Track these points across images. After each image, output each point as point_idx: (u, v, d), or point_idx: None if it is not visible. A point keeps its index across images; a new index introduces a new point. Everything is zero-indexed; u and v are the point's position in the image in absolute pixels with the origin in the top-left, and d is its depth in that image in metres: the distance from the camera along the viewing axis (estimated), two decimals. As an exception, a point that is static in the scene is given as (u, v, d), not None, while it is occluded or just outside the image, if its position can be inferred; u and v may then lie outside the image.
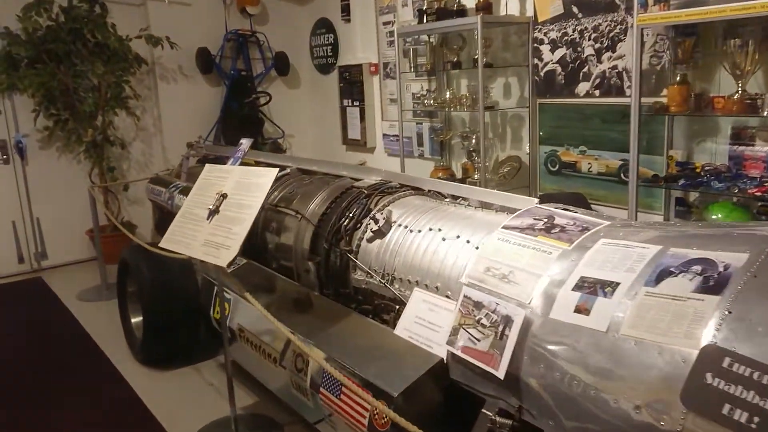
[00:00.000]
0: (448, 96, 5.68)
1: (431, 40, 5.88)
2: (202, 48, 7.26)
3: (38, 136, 6.69)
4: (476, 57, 5.14)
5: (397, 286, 3.01)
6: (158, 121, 7.32)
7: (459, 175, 5.84)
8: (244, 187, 2.99)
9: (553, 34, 5.02)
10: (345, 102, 7.41)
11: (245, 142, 3.33)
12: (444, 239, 2.85)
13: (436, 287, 2.75)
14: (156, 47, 6.69)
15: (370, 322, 3.00)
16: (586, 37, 4.79)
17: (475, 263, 2.38)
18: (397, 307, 2.97)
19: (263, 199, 2.86)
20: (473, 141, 5.42)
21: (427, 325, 2.56)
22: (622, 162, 4.74)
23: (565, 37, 4.94)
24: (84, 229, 6.91)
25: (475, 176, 5.44)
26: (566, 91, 5.01)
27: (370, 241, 3.23)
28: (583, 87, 4.89)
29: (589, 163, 4.99)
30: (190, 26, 7.13)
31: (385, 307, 3.08)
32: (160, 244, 3.21)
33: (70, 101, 6.48)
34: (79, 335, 5.04)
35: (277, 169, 2.92)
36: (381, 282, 3.06)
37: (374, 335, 2.81)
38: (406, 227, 3.13)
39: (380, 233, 3.17)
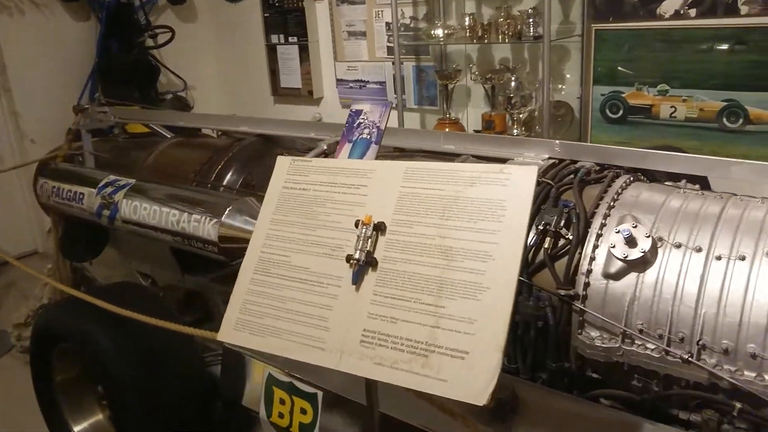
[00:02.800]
0: (453, 23, 4.18)
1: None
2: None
3: None
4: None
5: (712, 361, 1.63)
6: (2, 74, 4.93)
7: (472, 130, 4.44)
8: (444, 206, 1.37)
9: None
10: (274, 39, 5.55)
11: (380, 107, 1.60)
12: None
13: None
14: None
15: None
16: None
17: None
18: (737, 405, 1.59)
19: (524, 235, 1.28)
20: (512, 83, 4.01)
21: None
22: (726, 103, 3.65)
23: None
24: None
25: (514, 131, 4.07)
26: (643, 12, 3.76)
27: (613, 276, 1.78)
28: (670, 5, 3.67)
29: (672, 107, 3.85)
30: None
31: (685, 401, 1.69)
32: (235, 341, 1.49)
33: None
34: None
35: (538, 164, 1.33)
36: (671, 354, 1.65)
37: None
38: (682, 247, 1.73)
39: (640, 262, 1.73)
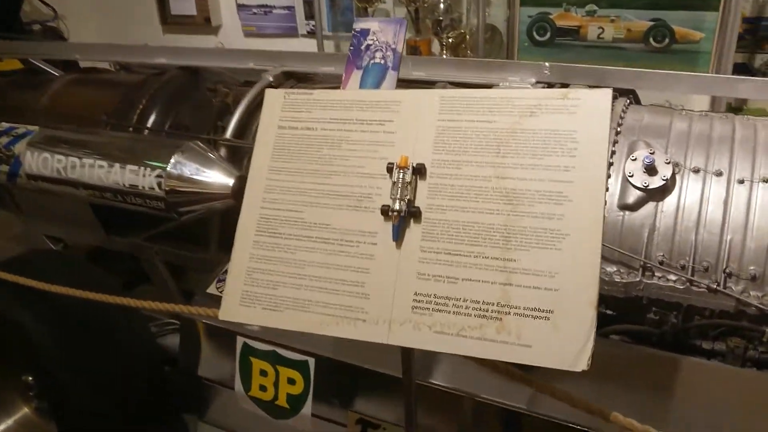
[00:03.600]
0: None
1: None
2: None
3: None
4: None
5: (738, 288, 1.58)
6: None
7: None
8: (499, 142, 1.15)
9: None
10: (159, -43, 4.87)
11: (393, 24, 1.28)
12: None
13: None
14: None
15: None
16: None
17: None
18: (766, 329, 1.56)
19: (604, 171, 1.10)
20: (441, 5, 3.77)
21: None
22: (653, 22, 3.65)
23: None
24: None
25: (444, 55, 3.87)
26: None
27: (631, 207, 1.67)
28: None
29: (599, 27, 3.80)
30: None
31: (706, 331, 1.64)
32: (245, 320, 1.22)
33: None
34: None
35: (611, 89, 1.14)
36: (696, 284, 1.59)
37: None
38: (701, 172, 1.65)
39: (660, 191, 1.63)
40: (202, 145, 2.00)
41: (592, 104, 1.14)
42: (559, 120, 1.15)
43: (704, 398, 1.52)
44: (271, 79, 2.26)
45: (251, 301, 1.24)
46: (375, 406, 1.73)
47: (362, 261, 1.19)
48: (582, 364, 1.03)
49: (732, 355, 1.59)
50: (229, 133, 2.14)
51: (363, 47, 1.34)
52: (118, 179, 1.97)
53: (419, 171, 1.19)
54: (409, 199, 1.18)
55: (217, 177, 1.90)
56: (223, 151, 2.12)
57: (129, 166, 1.95)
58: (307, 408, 1.78)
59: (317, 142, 1.29)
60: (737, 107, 3.41)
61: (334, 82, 2.29)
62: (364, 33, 1.35)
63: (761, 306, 1.54)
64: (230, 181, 1.89)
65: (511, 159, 1.15)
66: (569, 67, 1.91)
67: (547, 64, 1.92)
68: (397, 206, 1.17)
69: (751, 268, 1.56)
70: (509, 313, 1.09)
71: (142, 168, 1.93)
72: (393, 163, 1.20)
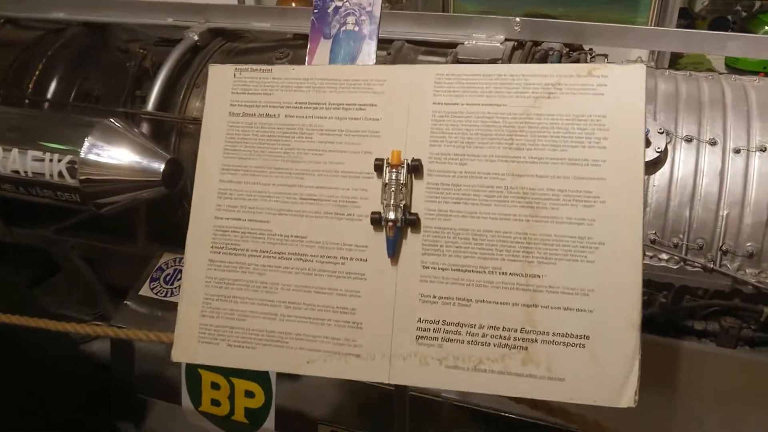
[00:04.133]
0: None
1: None
2: None
3: None
4: None
5: (734, 266, 1.48)
6: None
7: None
8: (511, 130, 0.95)
9: None
10: None
11: None
12: None
13: None
14: None
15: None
16: None
17: None
18: (765, 309, 1.47)
19: (641, 164, 0.92)
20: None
21: None
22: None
23: None
24: None
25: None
26: None
27: (620, 181, 1.51)
28: None
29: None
30: None
31: (695, 311, 1.54)
32: (207, 361, 0.98)
33: None
34: None
35: (644, 64, 0.95)
36: (690, 263, 1.48)
37: None
38: (694, 141, 1.52)
39: (652, 164, 1.49)
40: (120, 122, 1.68)
41: (624, 83, 0.94)
42: (585, 102, 0.95)
43: (702, 387, 1.44)
44: (195, 37, 1.93)
45: (212, 337, 1.00)
46: (349, 416, 1.54)
47: (351, 282, 0.97)
48: (627, 399, 0.87)
49: (726, 335, 1.51)
50: (150, 105, 1.81)
51: (330, 10, 1.07)
52: (19, 168, 1.62)
53: (415, 169, 0.97)
54: (404, 204, 0.96)
55: (143, 161, 1.59)
56: (145, 127, 1.80)
57: (32, 152, 1.61)
58: (270, 422, 1.57)
59: (282, 132, 1.03)
60: (678, 55, 3.35)
61: (271, 41, 2.00)
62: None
63: (758, 284, 1.45)
64: (160, 166, 1.59)
65: (528, 152, 0.95)
66: (542, 22, 1.71)
67: (517, 19, 1.71)
68: (392, 215, 0.95)
69: (748, 244, 1.45)
70: (536, 341, 0.91)
71: (49, 153, 1.59)
72: (382, 160, 0.98)
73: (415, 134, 0.99)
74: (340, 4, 1.07)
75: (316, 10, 1.08)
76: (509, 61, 1.65)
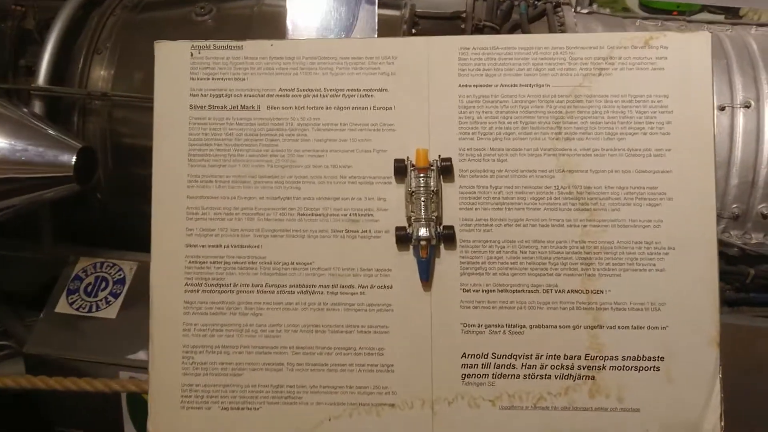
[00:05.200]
0: None
1: None
2: None
3: None
4: None
5: (719, 228, 1.43)
6: None
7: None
8: (557, 116, 0.78)
9: None
10: None
11: None
12: None
13: None
14: None
15: None
16: None
17: None
18: (751, 271, 1.45)
19: (712, 153, 0.79)
20: None
21: None
22: None
23: None
24: None
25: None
26: None
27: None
28: None
29: None
30: None
31: None
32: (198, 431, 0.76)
33: None
34: None
35: (709, 33, 0.80)
36: None
37: None
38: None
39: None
40: (5, 102, 1.34)
41: (687, 54, 0.79)
42: (643, 80, 0.79)
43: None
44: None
45: (201, 401, 0.78)
46: None
47: (375, 315, 0.78)
48: (713, 426, 0.76)
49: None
50: (41, 78, 1.46)
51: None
52: None
53: (446, 170, 0.78)
54: (436, 216, 0.77)
55: (47, 152, 1.28)
56: (37, 107, 1.46)
57: None
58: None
59: (265, 129, 0.80)
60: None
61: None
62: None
63: (743, 246, 1.41)
64: (70, 158, 1.28)
65: (580, 142, 0.79)
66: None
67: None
68: (423, 231, 0.76)
69: (734, 206, 1.40)
70: (604, 368, 0.77)
71: None
72: (403, 161, 0.78)
73: (440, 126, 0.79)
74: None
75: (292, -35, 0.83)
76: (473, 12, 1.46)
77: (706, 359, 0.77)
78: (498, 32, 1.41)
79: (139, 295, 1.43)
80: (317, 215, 0.79)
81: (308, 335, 0.78)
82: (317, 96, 0.80)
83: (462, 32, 1.42)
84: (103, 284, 1.46)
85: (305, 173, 0.80)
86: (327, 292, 0.79)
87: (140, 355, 1.35)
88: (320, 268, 0.79)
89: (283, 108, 0.80)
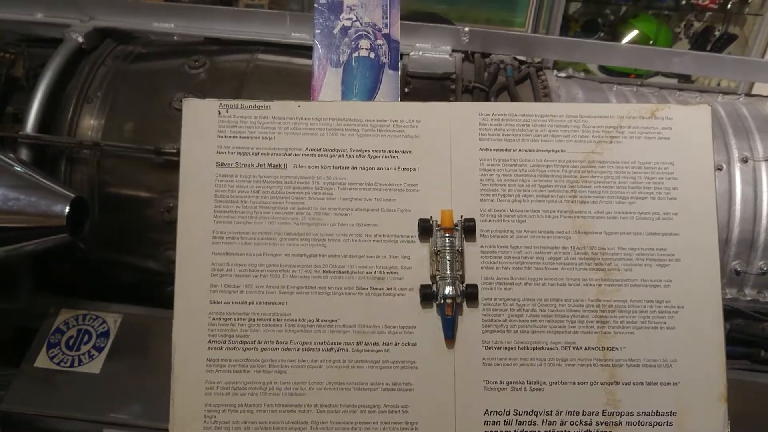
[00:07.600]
0: None
1: None
2: None
3: None
4: None
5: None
6: None
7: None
8: (573, 180, 0.82)
9: None
10: None
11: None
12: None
13: None
14: None
15: None
16: None
17: None
18: (726, 325, 1.51)
19: (715, 216, 0.84)
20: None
21: None
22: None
23: None
24: None
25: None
26: None
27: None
28: None
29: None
30: None
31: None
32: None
33: None
34: None
35: (710, 106, 0.86)
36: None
37: None
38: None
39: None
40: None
41: (690, 125, 0.85)
42: (650, 148, 0.85)
43: None
44: (80, 39, 1.58)
45: (222, 462, 0.76)
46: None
47: (399, 373, 0.79)
48: (723, 480, 0.79)
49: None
50: (30, 126, 1.44)
51: (337, 31, 0.86)
52: None
53: (469, 230, 0.81)
54: (460, 274, 0.79)
55: (39, 202, 1.25)
56: (24, 154, 1.43)
57: None
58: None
59: (292, 188, 0.82)
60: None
61: (176, 44, 1.70)
62: (335, 7, 0.87)
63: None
64: (63, 208, 1.26)
65: (594, 205, 0.83)
66: (491, 33, 1.60)
67: (466, 29, 1.59)
68: (449, 290, 0.78)
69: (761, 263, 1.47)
70: (621, 423, 0.80)
71: None
72: (427, 220, 0.80)
73: (462, 187, 0.83)
74: (348, 23, 0.87)
75: (318, 31, 0.87)
76: (462, 73, 1.53)
77: (716, 414, 0.80)
78: (487, 93, 1.47)
79: (124, 349, 1.39)
80: (342, 272, 0.80)
81: (332, 393, 0.78)
82: (343, 156, 0.82)
83: (452, 92, 1.49)
84: (86, 337, 1.41)
85: (331, 231, 0.81)
86: (352, 349, 0.79)
87: (126, 413, 1.31)
88: (345, 325, 0.80)
89: (309, 167, 0.82)
